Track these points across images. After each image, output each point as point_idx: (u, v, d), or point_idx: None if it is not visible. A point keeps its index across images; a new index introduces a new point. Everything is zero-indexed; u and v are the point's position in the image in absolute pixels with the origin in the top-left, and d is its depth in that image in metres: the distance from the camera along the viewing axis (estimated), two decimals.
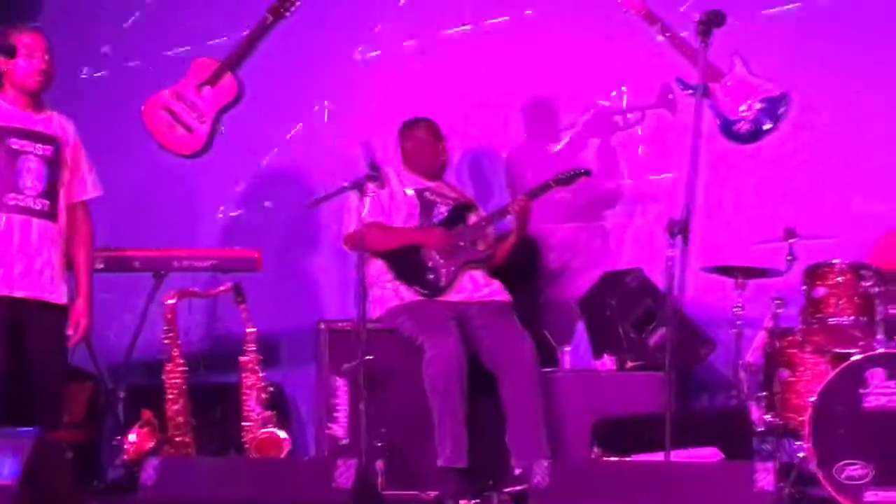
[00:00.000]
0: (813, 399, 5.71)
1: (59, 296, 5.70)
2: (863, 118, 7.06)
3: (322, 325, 6.70)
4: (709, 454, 5.77)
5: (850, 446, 5.61)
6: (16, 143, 5.64)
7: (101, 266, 6.75)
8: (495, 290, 6.68)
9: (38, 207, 5.66)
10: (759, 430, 6.17)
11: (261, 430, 6.10)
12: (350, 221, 6.60)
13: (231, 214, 7.74)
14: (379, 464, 6.18)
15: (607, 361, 6.66)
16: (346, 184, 6.25)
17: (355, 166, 6.51)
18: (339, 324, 6.68)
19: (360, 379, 6.01)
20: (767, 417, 6.13)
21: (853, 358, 5.73)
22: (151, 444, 5.98)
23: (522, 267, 7.13)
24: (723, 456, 5.79)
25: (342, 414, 6.55)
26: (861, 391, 5.65)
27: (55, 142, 5.73)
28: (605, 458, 5.89)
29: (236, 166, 7.75)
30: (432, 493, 6.33)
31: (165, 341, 6.12)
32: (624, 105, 7.43)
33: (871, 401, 5.64)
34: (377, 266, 6.65)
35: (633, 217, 7.37)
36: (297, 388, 7.38)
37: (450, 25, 7.58)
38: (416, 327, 6.45)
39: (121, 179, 7.29)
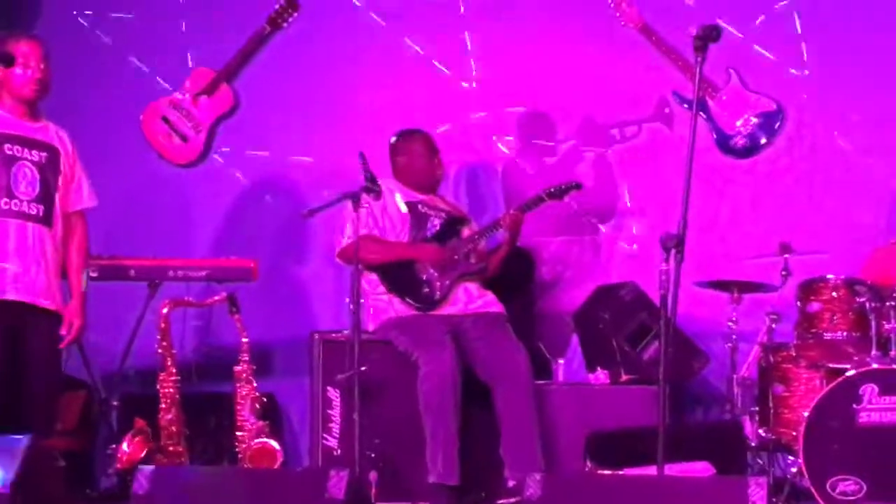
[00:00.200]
0: (807, 414, 5.71)
1: (53, 301, 5.70)
2: (858, 133, 7.08)
3: (316, 336, 6.69)
4: (701, 468, 5.76)
5: (843, 462, 5.62)
6: (10, 150, 5.64)
7: (96, 274, 6.74)
8: (489, 302, 6.68)
9: (32, 212, 5.65)
10: (753, 444, 6.18)
11: (254, 440, 6.10)
12: (344, 234, 6.59)
13: (226, 224, 7.72)
14: (372, 475, 6.16)
15: (601, 375, 6.65)
16: (341, 194, 6.24)
17: (351, 177, 6.50)
18: (333, 334, 6.68)
19: (354, 390, 6.00)
20: (761, 432, 6.14)
21: (847, 373, 5.74)
22: (144, 454, 5.98)
23: (517, 279, 7.13)
24: (715, 470, 5.78)
25: (335, 425, 6.55)
26: (855, 406, 5.66)
27: (50, 149, 5.73)
28: (598, 472, 5.88)
29: (231, 176, 7.74)
30: None
31: (159, 350, 6.12)
32: (620, 119, 7.44)
33: (865, 416, 5.66)
34: (371, 279, 6.64)
35: (627, 230, 7.37)
36: (291, 398, 7.37)
37: (446, 36, 7.57)
38: (410, 342, 6.44)
39: (116, 188, 7.29)
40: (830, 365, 5.97)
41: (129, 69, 7.81)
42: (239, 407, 6.15)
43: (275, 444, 6.11)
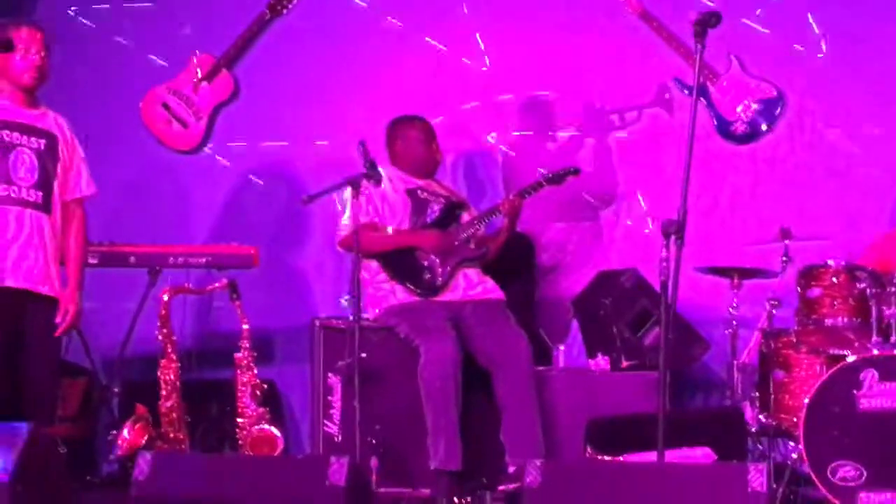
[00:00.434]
0: (807, 400, 5.71)
1: (52, 288, 5.69)
2: (858, 119, 7.08)
3: (317, 323, 6.69)
4: (702, 454, 5.76)
5: (843, 447, 5.62)
6: (9, 136, 5.63)
7: (96, 261, 6.75)
8: (489, 289, 6.68)
9: (31, 199, 5.64)
10: (753, 430, 6.18)
11: (255, 426, 6.10)
12: (345, 222, 6.59)
13: (226, 210, 7.72)
14: (373, 461, 6.17)
15: (601, 361, 6.66)
16: (341, 180, 6.24)
17: (351, 163, 6.49)
18: (334, 321, 6.68)
19: (355, 376, 6.00)
20: (761, 418, 6.14)
21: (848, 359, 5.73)
22: (144, 440, 5.98)
23: (517, 265, 7.13)
24: (715, 456, 5.78)
25: (336, 411, 6.55)
26: (855, 392, 5.65)
27: (49, 136, 5.72)
28: (598, 458, 5.89)
29: (232, 162, 7.74)
30: (426, 492, 6.33)
31: (159, 337, 6.12)
32: (620, 105, 7.43)
33: (865, 402, 5.65)
34: (372, 265, 6.64)
35: (627, 216, 7.36)
36: (292, 385, 7.38)
37: (446, 23, 7.56)
38: (411, 329, 6.45)
39: (117, 175, 7.30)
40: (831, 351, 5.97)
41: (129, 56, 7.81)
42: (239, 394, 6.15)
43: (275, 430, 6.12)
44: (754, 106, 7.15)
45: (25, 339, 5.60)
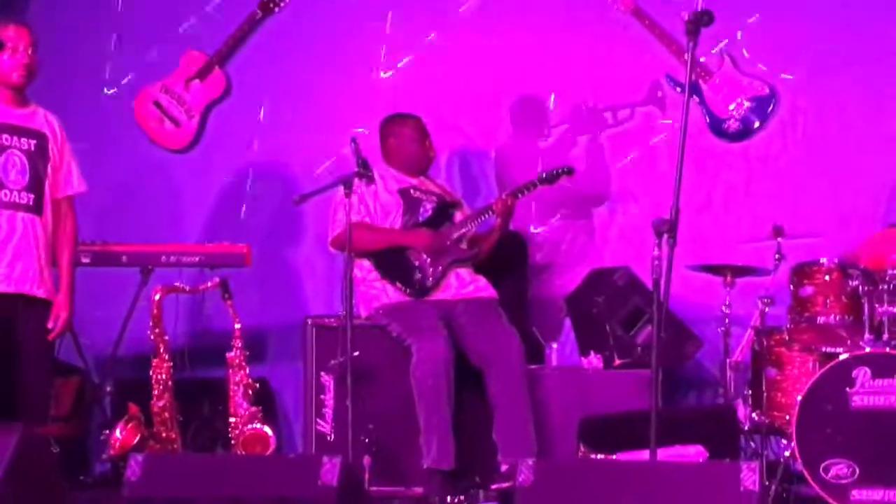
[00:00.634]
0: (800, 397, 5.72)
1: (45, 290, 5.68)
2: (850, 116, 7.08)
3: (309, 322, 6.69)
4: (694, 452, 5.77)
5: (836, 445, 5.63)
6: None
7: (88, 260, 6.74)
8: (481, 287, 6.68)
9: (23, 202, 5.63)
10: (746, 428, 6.18)
11: (247, 425, 6.10)
12: (336, 220, 6.58)
13: (218, 209, 7.71)
14: (366, 460, 6.16)
15: (594, 359, 6.66)
16: (333, 180, 6.23)
17: (343, 162, 6.50)
18: (326, 320, 6.67)
19: (347, 375, 6.00)
20: (754, 416, 6.14)
21: (840, 357, 5.74)
22: (137, 440, 5.97)
23: (510, 264, 7.12)
24: (708, 454, 5.78)
25: (329, 410, 6.55)
26: (848, 390, 5.66)
27: (39, 136, 5.71)
28: (590, 456, 5.89)
29: (224, 161, 7.73)
30: (418, 490, 6.33)
31: (151, 337, 6.11)
32: (613, 102, 7.43)
33: (858, 400, 5.65)
34: (364, 264, 6.63)
35: (620, 214, 7.37)
36: (284, 384, 7.38)
37: (438, 21, 7.56)
38: (403, 329, 6.45)
39: (108, 174, 7.29)
40: (823, 348, 5.98)
41: (121, 54, 7.79)
42: (232, 393, 6.15)
43: (268, 429, 6.11)
44: (747, 103, 7.16)
45: (19, 341, 5.59)
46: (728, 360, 6.42)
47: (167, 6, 7.80)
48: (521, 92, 7.50)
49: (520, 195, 6.73)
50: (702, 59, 7.05)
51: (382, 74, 7.57)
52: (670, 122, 7.24)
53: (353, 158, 6.14)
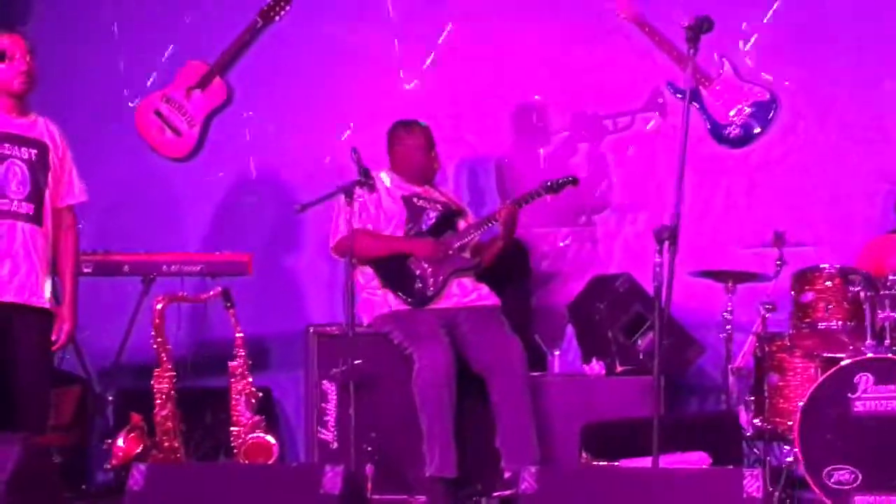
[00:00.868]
0: (802, 403, 5.71)
1: (44, 300, 5.68)
2: (851, 122, 7.08)
3: (311, 330, 6.69)
4: (697, 459, 5.77)
5: (838, 451, 5.62)
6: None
7: (90, 270, 6.75)
8: (483, 295, 6.67)
9: (23, 211, 5.63)
10: (749, 434, 6.17)
11: (250, 435, 6.09)
12: (338, 227, 6.58)
13: (220, 218, 7.71)
14: (368, 468, 6.16)
15: (596, 366, 6.66)
16: (335, 188, 6.24)
17: (344, 171, 6.49)
18: (328, 328, 6.68)
19: (350, 383, 6.00)
20: (756, 422, 6.13)
21: (842, 363, 5.73)
22: (139, 449, 5.97)
23: (512, 271, 7.12)
24: (711, 461, 5.78)
25: (331, 418, 6.55)
26: (850, 396, 5.65)
27: (40, 145, 5.70)
28: (593, 463, 5.89)
29: (225, 170, 7.73)
30: (421, 499, 6.33)
31: (154, 346, 6.11)
32: (613, 109, 7.43)
33: (860, 405, 5.65)
34: (366, 272, 6.64)
35: (622, 222, 7.36)
36: (286, 392, 7.38)
37: (438, 28, 7.56)
38: (405, 337, 6.44)
39: (109, 183, 7.29)
40: (825, 354, 5.97)
41: (122, 63, 7.80)
42: (234, 402, 6.14)
43: (270, 438, 6.10)
44: (747, 109, 7.16)
45: (18, 350, 5.59)
46: (730, 367, 6.42)
47: (167, 15, 7.80)
48: (521, 100, 7.50)
49: (523, 204, 6.73)
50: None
51: (386, 83, 7.58)
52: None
53: (355, 167, 6.15)
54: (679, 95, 7.16)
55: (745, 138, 7.19)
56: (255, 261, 7.06)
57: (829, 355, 5.93)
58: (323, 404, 6.57)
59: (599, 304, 6.78)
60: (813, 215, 7.03)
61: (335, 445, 6.51)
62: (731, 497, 4.45)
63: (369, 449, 6.28)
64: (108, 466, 6.12)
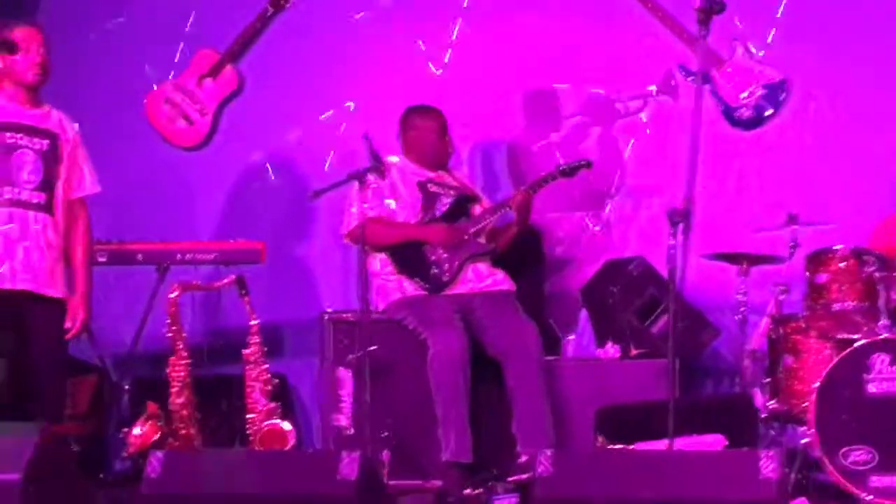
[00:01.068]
0: (817, 385, 5.71)
1: (57, 289, 5.70)
2: (863, 102, 7.06)
3: (325, 317, 6.70)
4: (712, 441, 5.77)
5: (854, 432, 5.63)
6: (11, 138, 5.64)
7: (104, 259, 6.76)
8: (498, 281, 6.68)
9: (34, 201, 5.65)
10: (764, 416, 6.17)
11: (265, 422, 6.10)
12: (351, 215, 6.58)
13: (233, 206, 7.72)
14: (384, 454, 6.18)
15: (611, 349, 6.66)
16: (347, 175, 6.24)
17: (357, 157, 6.49)
18: (343, 315, 6.69)
19: (365, 370, 6.01)
20: (771, 404, 6.14)
21: (857, 343, 5.74)
22: (156, 437, 5.99)
23: (526, 256, 7.12)
24: (727, 442, 5.79)
25: (347, 405, 6.56)
26: (865, 377, 5.66)
27: (52, 136, 5.72)
28: (609, 447, 5.89)
29: (238, 158, 7.73)
30: (437, 483, 6.34)
31: (169, 335, 6.12)
32: (625, 93, 7.42)
33: (875, 386, 5.66)
34: (380, 258, 6.64)
35: (635, 205, 7.36)
36: (302, 379, 7.38)
37: (455, 17, 7.55)
38: (419, 322, 6.45)
39: (122, 173, 7.29)
40: (840, 335, 5.96)
41: (133, 52, 7.80)
42: (250, 389, 6.15)
43: (286, 425, 6.10)
44: (759, 91, 7.15)
45: (31, 340, 5.61)
46: (744, 349, 6.41)
47: (179, 4, 7.80)
48: (533, 84, 7.49)
49: (538, 189, 6.72)
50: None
51: (400, 69, 7.57)
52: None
53: (367, 153, 6.15)
54: (690, 78, 7.15)
55: (757, 120, 7.18)
56: (269, 248, 7.06)
57: (844, 336, 5.93)
58: (338, 391, 6.58)
59: (613, 288, 6.78)
60: (826, 196, 7.01)
61: (351, 432, 6.52)
62: (748, 479, 4.46)
63: (385, 435, 6.30)
64: (126, 455, 6.15)
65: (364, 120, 7.26)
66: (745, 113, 7.17)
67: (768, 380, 6.21)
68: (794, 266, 6.32)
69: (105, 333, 7.01)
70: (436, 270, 6.61)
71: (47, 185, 5.69)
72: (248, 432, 6.13)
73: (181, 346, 6.12)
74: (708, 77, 7.10)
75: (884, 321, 5.77)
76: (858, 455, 5.60)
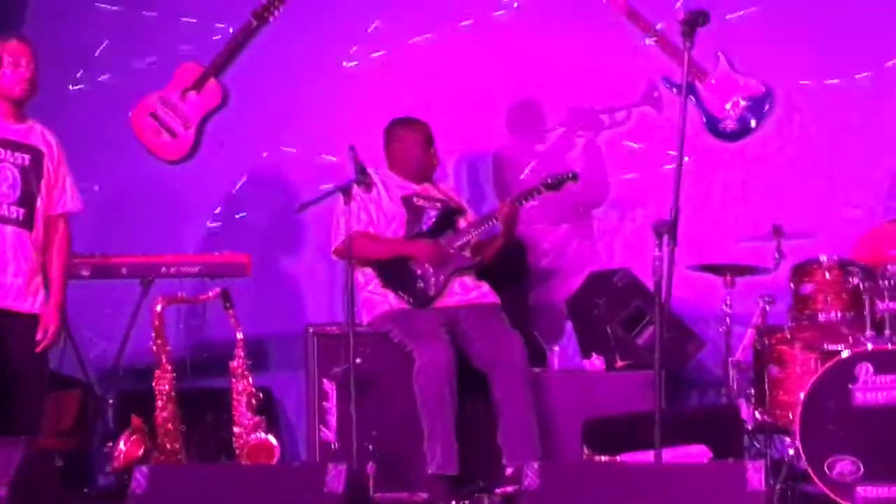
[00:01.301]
0: (802, 395, 5.72)
1: (31, 305, 5.66)
2: (846, 113, 7.09)
3: (310, 330, 6.69)
4: (698, 452, 5.77)
5: (840, 442, 5.63)
6: None
7: (88, 273, 6.75)
8: (484, 293, 6.68)
9: (12, 216, 5.63)
10: (749, 427, 6.18)
11: (251, 435, 6.09)
12: (338, 230, 6.57)
13: (217, 219, 7.70)
14: (370, 467, 6.17)
15: (596, 361, 6.66)
16: (332, 188, 6.23)
17: (342, 170, 6.49)
18: (328, 328, 6.68)
19: (350, 382, 6.00)
20: (757, 415, 6.14)
21: (842, 354, 5.74)
22: (141, 452, 5.97)
23: (511, 268, 7.12)
24: (712, 454, 5.78)
25: (332, 417, 6.55)
26: (850, 387, 5.67)
27: (34, 151, 5.70)
28: (595, 458, 5.89)
29: (222, 171, 7.72)
30: (423, 496, 6.33)
31: (153, 348, 6.10)
32: (609, 104, 7.43)
33: (861, 396, 5.66)
34: (367, 272, 6.63)
35: (620, 216, 7.36)
36: (287, 392, 7.37)
37: (435, 26, 7.55)
38: (405, 335, 6.45)
39: (106, 186, 7.28)
40: (825, 346, 5.97)
41: (117, 65, 7.78)
42: (235, 402, 6.14)
43: (272, 439, 6.10)
44: (743, 103, 7.16)
45: (7, 356, 5.57)
46: (730, 360, 6.42)
47: (162, 17, 7.79)
48: (518, 96, 7.49)
49: (524, 202, 6.71)
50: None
51: (383, 82, 7.56)
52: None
53: (352, 165, 6.14)
54: (674, 90, 7.16)
55: (742, 132, 7.19)
56: (254, 261, 7.05)
57: (829, 347, 5.94)
58: (324, 403, 6.57)
59: (598, 300, 6.79)
60: (810, 207, 7.03)
61: (336, 445, 6.50)
62: (735, 491, 4.46)
63: (371, 448, 6.30)
64: (110, 469, 6.13)
65: (349, 132, 7.25)
66: (730, 125, 7.18)
67: (753, 391, 6.22)
68: (779, 277, 6.34)
69: (89, 347, 6.99)
70: (422, 284, 6.60)
71: (27, 201, 5.65)
72: (233, 446, 6.11)
73: (166, 360, 6.11)
74: (692, 88, 7.11)
75: (869, 332, 5.78)
76: (844, 465, 5.61)
